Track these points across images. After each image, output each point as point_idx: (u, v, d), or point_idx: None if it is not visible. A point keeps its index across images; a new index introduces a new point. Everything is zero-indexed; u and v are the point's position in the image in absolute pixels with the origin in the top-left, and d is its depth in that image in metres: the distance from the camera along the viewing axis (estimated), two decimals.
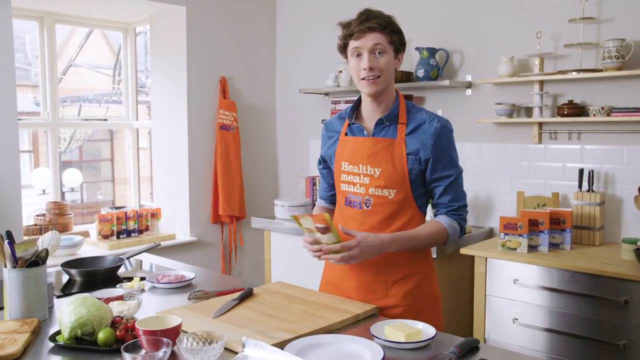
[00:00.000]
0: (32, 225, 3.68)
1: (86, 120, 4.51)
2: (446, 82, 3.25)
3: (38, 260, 1.68)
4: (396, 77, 3.46)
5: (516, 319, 2.70)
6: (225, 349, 1.44)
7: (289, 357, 1.32)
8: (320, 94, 4.07)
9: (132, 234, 3.74)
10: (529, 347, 2.67)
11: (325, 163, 2.01)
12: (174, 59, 3.91)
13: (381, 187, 1.80)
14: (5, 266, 1.66)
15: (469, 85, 3.39)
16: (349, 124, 1.89)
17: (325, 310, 1.72)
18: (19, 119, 3.73)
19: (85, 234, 3.77)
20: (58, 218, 3.71)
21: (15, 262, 1.66)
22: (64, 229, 3.73)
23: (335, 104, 3.82)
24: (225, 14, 4.02)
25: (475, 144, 3.40)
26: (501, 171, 3.31)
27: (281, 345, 1.43)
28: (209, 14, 3.93)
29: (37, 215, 3.75)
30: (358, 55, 1.75)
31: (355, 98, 3.66)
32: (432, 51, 3.39)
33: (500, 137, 3.30)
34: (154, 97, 4.13)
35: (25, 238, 3.48)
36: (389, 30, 1.73)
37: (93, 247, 3.60)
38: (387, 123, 1.81)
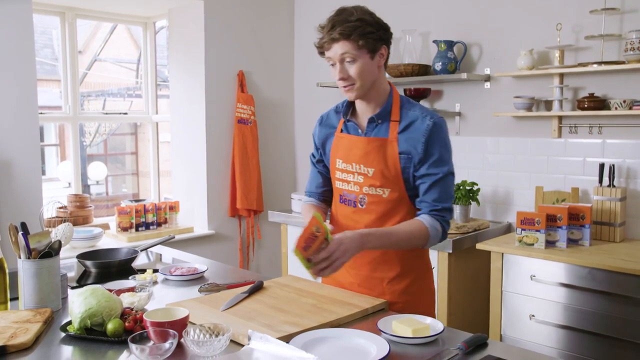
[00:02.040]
0: (54, 217, 3.75)
1: (106, 114, 4.56)
2: (464, 76, 3.21)
3: (51, 251, 1.71)
4: (413, 70, 3.44)
5: (533, 316, 2.66)
6: (232, 341, 1.45)
7: (294, 351, 1.32)
8: (337, 87, 4.04)
9: (151, 227, 3.78)
10: (545, 344, 2.63)
11: (320, 157, 1.98)
12: (192, 53, 3.93)
13: (375, 186, 1.79)
14: (19, 257, 1.69)
15: (488, 78, 3.34)
16: (344, 121, 1.87)
17: (334, 304, 1.72)
18: (41, 113, 3.80)
19: (105, 227, 3.82)
20: (79, 210, 3.77)
21: (29, 253, 1.69)
22: (84, 221, 3.78)
23: None
24: (243, 8, 4.03)
25: (493, 138, 3.36)
26: (520, 166, 3.26)
27: (287, 338, 1.43)
28: (227, 8, 3.94)
29: (59, 208, 3.81)
30: (332, 64, 1.73)
31: None
32: (450, 44, 3.35)
33: (519, 131, 3.25)
34: (172, 91, 4.16)
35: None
36: (355, 35, 1.66)
37: (112, 239, 3.65)
38: (380, 121, 1.78)
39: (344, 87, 1.73)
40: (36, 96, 3.19)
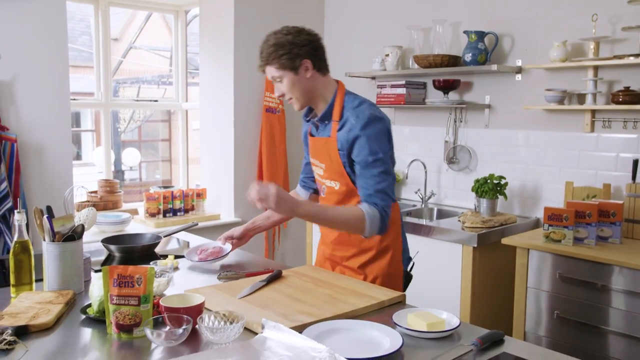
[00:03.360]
0: (85, 201, 3.83)
1: (137, 101, 4.63)
2: (494, 67, 3.15)
3: (74, 235, 1.75)
4: (442, 61, 3.38)
5: (558, 314, 2.61)
6: (246, 329, 1.46)
7: (306, 341, 1.32)
8: (367, 77, 4.02)
9: (178, 213, 3.83)
10: (570, 343, 2.58)
11: (306, 149, 2.17)
12: (222, 41, 3.95)
13: (328, 179, 1.99)
14: (44, 240, 1.73)
15: (519, 70, 3.27)
16: (306, 121, 2.08)
17: (351, 296, 1.71)
18: (74, 99, 3.87)
19: (134, 212, 3.88)
20: (109, 195, 3.84)
21: (53, 236, 1.73)
22: (114, 206, 3.85)
23: (381, 87, 3.77)
24: None
25: (523, 131, 3.29)
26: (550, 160, 3.18)
27: (301, 328, 1.44)
28: None
29: (90, 192, 3.89)
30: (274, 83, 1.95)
31: (402, 82, 3.60)
32: (481, 35, 3.28)
33: (550, 124, 3.18)
34: (202, 79, 4.19)
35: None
36: (272, 60, 1.87)
37: (140, 224, 3.71)
38: (326, 121, 1.96)
39: (287, 101, 1.96)
40: (68, 82, 3.25)
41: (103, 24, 4.00)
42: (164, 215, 3.77)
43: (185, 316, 1.41)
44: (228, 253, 2.17)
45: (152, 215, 3.73)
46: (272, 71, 1.90)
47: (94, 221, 1.90)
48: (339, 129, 1.90)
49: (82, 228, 1.78)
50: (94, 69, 4.06)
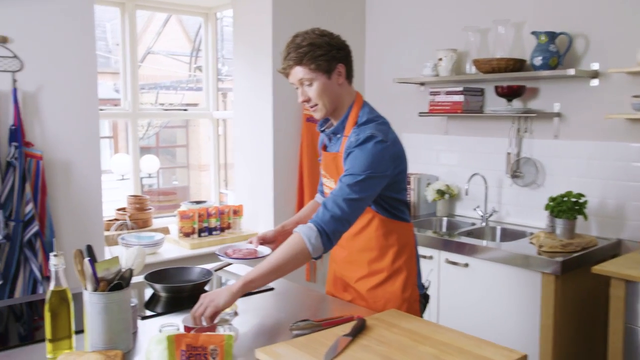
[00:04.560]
0: (113, 219, 3.55)
1: (166, 110, 4.34)
2: (571, 72, 2.81)
3: (121, 282, 1.44)
4: (507, 65, 3.05)
5: None
6: None
7: None
8: (415, 83, 3.71)
9: (214, 232, 3.53)
10: None
11: None
12: (258, 45, 3.65)
13: None
14: (85, 288, 1.43)
15: (595, 74, 2.93)
16: (320, 132, 1.97)
17: (461, 356, 1.40)
18: (101, 109, 3.59)
19: (165, 231, 3.59)
20: (138, 213, 3.56)
21: (97, 284, 1.43)
22: (143, 224, 3.57)
23: (435, 95, 3.45)
24: None
25: (601, 142, 2.94)
26: (634, 175, 2.84)
27: None
28: None
29: (118, 210, 3.61)
30: (297, 88, 1.82)
31: (459, 88, 3.28)
32: (552, 35, 2.94)
33: (635, 135, 2.83)
34: (236, 86, 3.89)
35: (106, 234, 3.34)
36: (307, 60, 1.74)
37: (174, 245, 3.41)
38: (338, 135, 1.86)
39: (310, 108, 1.83)
40: (96, 93, 2.96)
41: (130, 28, 3.72)
42: (199, 235, 3.47)
43: None
44: (266, 256, 1.89)
45: (187, 235, 3.43)
46: (302, 73, 1.77)
47: (143, 263, 1.60)
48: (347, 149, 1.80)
49: (131, 273, 1.47)
50: (120, 75, 3.78)
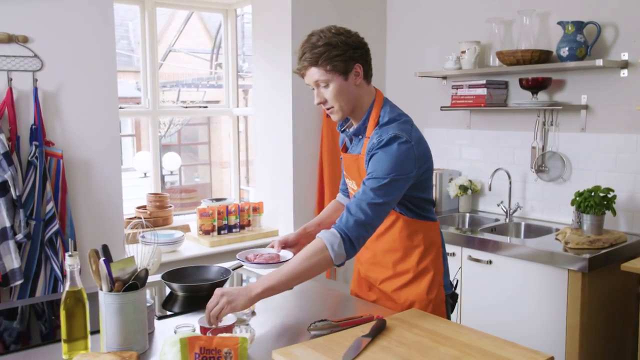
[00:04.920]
0: (134, 217, 3.55)
1: (186, 107, 4.34)
2: (599, 62, 2.72)
3: (137, 282, 1.42)
4: (533, 57, 2.97)
5: None
6: None
7: None
8: (437, 77, 3.64)
9: (234, 230, 3.51)
10: None
11: None
12: (277, 41, 3.61)
13: None
14: (101, 289, 1.41)
15: (625, 65, 2.83)
16: (341, 133, 1.93)
17: (481, 358, 1.35)
18: (121, 107, 3.60)
19: (186, 229, 3.59)
20: (158, 211, 3.55)
21: (112, 283, 1.41)
22: (164, 222, 3.56)
23: (457, 88, 3.37)
24: None
25: (631, 135, 2.85)
26: None
27: None
28: None
29: (138, 208, 3.62)
30: (313, 89, 1.78)
31: (482, 82, 3.21)
32: (580, 25, 2.85)
33: None
34: (255, 82, 3.87)
35: (127, 232, 3.35)
36: (323, 61, 1.68)
37: (194, 243, 3.41)
38: (360, 136, 1.82)
39: (327, 110, 1.78)
40: (116, 91, 2.96)
41: (150, 26, 3.71)
42: (219, 233, 3.45)
43: None
44: (289, 260, 1.81)
45: (206, 232, 3.42)
46: (318, 74, 1.71)
47: (159, 262, 1.58)
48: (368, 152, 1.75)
49: (146, 273, 1.45)
50: (140, 74, 3.78)
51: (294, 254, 1.89)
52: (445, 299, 1.86)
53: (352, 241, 1.59)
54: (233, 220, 3.52)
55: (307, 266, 1.59)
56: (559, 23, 2.91)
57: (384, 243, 1.83)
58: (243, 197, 4.34)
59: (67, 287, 1.41)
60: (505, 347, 1.41)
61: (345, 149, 1.93)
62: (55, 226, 2.65)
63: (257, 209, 3.63)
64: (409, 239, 1.80)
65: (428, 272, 1.81)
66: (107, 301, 1.40)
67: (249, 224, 3.59)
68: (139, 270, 1.44)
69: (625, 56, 2.83)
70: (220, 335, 1.35)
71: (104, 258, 1.42)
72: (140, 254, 1.58)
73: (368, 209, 1.60)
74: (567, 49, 2.86)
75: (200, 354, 1.13)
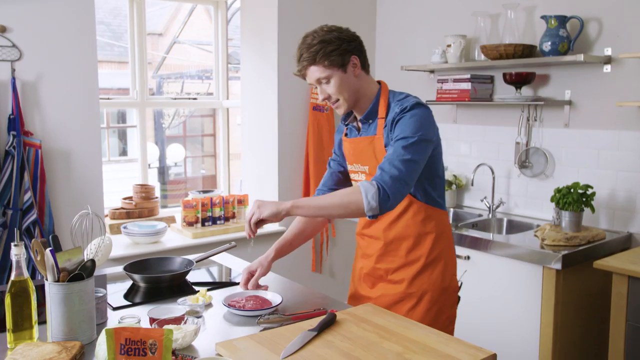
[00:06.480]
0: (119, 208, 3.56)
1: (175, 99, 4.33)
2: (580, 57, 2.68)
3: (82, 273, 1.43)
4: (516, 51, 2.94)
5: None
6: None
7: None
8: (424, 71, 3.61)
9: (218, 222, 3.52)
10: None
11: (339, 159, 2.04)
12: (264, 34, 3.60)
13: None
14: (46, 279, 1.42)
15: (608, 60, 2.80)
16: (345, 126, 1.95)
17: (425, 354, 1.34)
18: (108, 98, 3.61)
19: (171, 220, 3.60)
20: (144, 202, 3.56)
21: (58, 274, 1.42)
22: (149, 213, 3.57)
23: (442, 82, 3.35)
24: None
25: (612, 131, 2.82)
26: None
27: None
28: None
29: (124, 199, 3.63)
30: (315, 87, 1.82)
31: (466, 76, 3.18)
32: (562, 19, 2.82)
33: None
34: (243, 74, 3.86)
35: (110, 222, 3.37)
36: (320, 58, 1.74)
37: (177, 234, 3.41)
38: (370, 120, 1.85)
39: (332, 104, 1.83)
40: (97, 81, 2.96)
41: (138, 19, 3.71)
42: (203, 224, 3.46)
43: None
44: (279, 304, 1.72)
45: (190, 224, 3.43)
46: (318, 72, 1.76)
47: (108, 253, 1.59)
48: (386, 126, 1.79)
49: (93, 263, 1.46)
50: (129, 65, 3.78)
51: (261, 277, 1.88)
52: (458, 290, 1.91)
53: (389, 194, 1.62)
54: (217, 212, 3.52)
55: (337, 201, 1.67)
56: (542, 17, 2.87)
57: (396, 229, 1.84)
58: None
59: (13, 277, 1.41)
60: (450, 344, 1.40)
61: (349, 138, 1.94)
62: (32, 216, 2.67)
63: (242, 201, 3.63)
64: (422, 224, 1.82)
65: (440, 260, 1.84)
66: (51, 291, 1.40)
67: (233, 216, 3.60)
68: (86, 260, 1.45)
69: (608, 51, 2.80)
70: (165, 327, 1.35)
71: (51, 248, 1.42)
72: (89, 246, 1.58)
73: (401, 165, 1.65)
74: (549, 43, 2.83)
75: (126, 345, 1.13)
